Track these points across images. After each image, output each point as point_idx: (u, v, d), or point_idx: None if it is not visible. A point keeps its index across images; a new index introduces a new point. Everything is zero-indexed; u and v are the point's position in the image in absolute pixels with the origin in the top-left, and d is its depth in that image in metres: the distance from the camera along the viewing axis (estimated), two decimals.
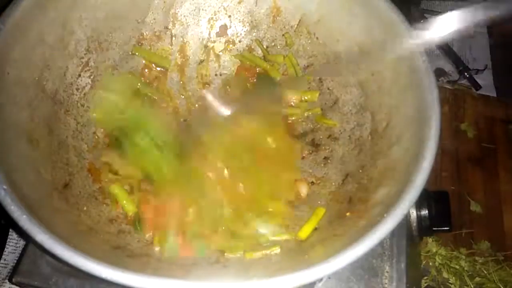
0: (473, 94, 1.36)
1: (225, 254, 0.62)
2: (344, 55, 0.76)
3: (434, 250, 1.11)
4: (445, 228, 0.78)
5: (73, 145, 0.68)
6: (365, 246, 0.47)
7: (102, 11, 0.73)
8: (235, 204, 0.68)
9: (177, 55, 0.83)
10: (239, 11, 0.84)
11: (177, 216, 0.66)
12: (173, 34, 0.82)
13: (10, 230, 0.80)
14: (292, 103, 0.79)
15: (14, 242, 0.80)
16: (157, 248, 0.63)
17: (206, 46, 0.84)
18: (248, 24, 0.84)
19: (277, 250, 0.61)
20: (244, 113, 0.76)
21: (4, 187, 0.48)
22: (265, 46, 0.84)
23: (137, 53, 0.79)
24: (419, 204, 0.77)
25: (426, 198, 0.77)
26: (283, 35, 0.82)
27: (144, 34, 0.79)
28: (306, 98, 0.80)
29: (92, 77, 0.73)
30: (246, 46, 0.85)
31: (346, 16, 0.73)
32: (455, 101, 1.35)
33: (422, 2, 1.45)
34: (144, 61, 0.80)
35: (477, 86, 1.35)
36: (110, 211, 0.66)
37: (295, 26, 0.81)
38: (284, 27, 0.82)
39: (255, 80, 0.83)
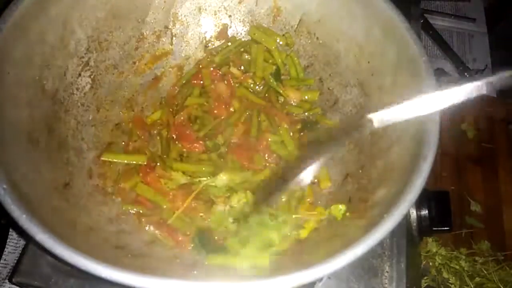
0: None
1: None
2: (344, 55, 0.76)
3: (434, 250, 1.10)
4: (445, 228, 0.78)
5: (73, 144, 0.68)
6: (365, 246, 0.48)
7: (103, 11, 0.73)
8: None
9: (178, 55, 0.83)
10: (239, 11, 0.84)
11: None
12: (174, 34, 0.82)
13: (10, 230, 0.80)
14: (293, 102, 0.79)
15: (14, 242, 0.80)
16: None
17: (206, 46, 0.84)
18: (248, 24, 0.84)
19: (276, 250, 0.61)
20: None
21: (4, 186, 0.48)
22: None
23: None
24: (419, 204, 0.77)
25: (426, 198, 0.77)
26: (283, 35, 0.82)
27: (144, 33, 0.79)
28: (306, 97, 0.80)
29: (92, 76, 0.73)
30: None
31: (346, 16, 0.73)
32: None
33: (422, 2, 1.45)
34: (144, 61, 0.80)
35: None
36: (110, 210, 0.66)
37: (295, 26, 0.81)
38: (284, 27, 0.82)
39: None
